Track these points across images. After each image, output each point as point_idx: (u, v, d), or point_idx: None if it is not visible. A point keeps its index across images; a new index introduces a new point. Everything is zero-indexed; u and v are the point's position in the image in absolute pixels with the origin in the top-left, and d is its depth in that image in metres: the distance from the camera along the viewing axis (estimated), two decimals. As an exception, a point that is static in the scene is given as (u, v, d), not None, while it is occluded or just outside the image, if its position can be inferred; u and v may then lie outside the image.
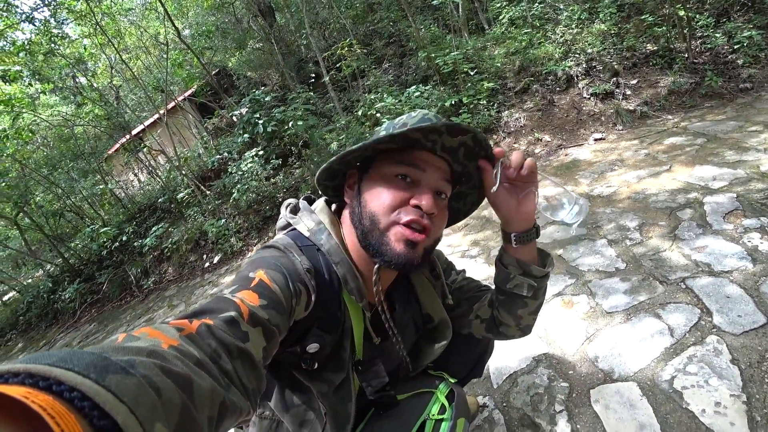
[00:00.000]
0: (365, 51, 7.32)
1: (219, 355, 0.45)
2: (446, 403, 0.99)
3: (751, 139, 3.05)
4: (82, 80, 8.89)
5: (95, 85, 8.19)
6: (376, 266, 0.79)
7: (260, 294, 0.60)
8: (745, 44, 4.34)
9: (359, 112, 5.81)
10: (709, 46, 4.62)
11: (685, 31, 4.65)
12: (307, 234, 0.81)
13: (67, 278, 7.30)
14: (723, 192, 2.46)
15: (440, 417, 0.96)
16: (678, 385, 1.38)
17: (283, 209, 0.90)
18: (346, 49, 6.30)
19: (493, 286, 1.02)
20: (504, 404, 1.57)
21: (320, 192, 0.92)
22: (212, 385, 0.39)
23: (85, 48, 8.08)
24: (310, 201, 0.92)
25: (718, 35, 4.58)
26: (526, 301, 0.92)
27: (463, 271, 1.14)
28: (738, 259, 1.87)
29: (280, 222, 0.89)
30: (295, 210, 0.88)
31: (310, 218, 0.83)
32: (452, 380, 1.08)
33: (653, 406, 1.35)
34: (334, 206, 0.92)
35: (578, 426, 1.37)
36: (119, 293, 6.43)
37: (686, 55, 4.63)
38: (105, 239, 6.91)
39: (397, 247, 0.73)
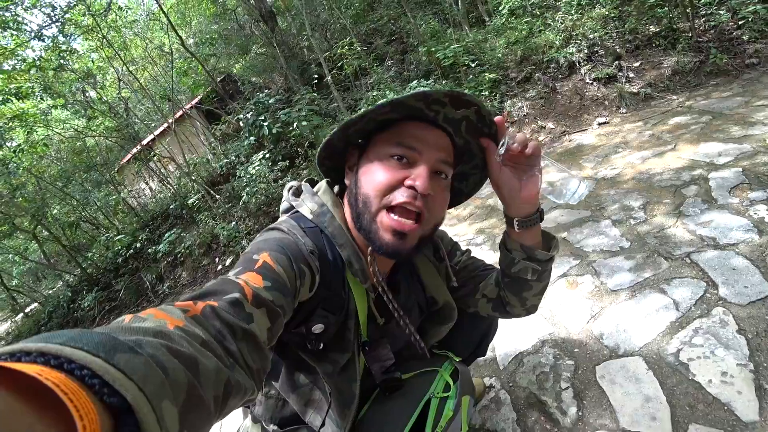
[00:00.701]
0: (365, 49, 7.35)
1: (224, 335, 0.45)
2: (450, 382, 0.99)
3: (758, 114, 2.99)
4: (92, 94, 9.10)
5: (104, 98, 8.36)
6: (370, 249, 0.78)
7: (264, 276, 0.60)
8: (750, 19, 4.25)
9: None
10: (712, 23, 4.53)
11: (687, 10, 4.58)
12: (310, 216, 0.81)
13: (86, 287, 7.48)
14: (728, 167, 2.42)
15: (445, 395, 0.97)
16: (684, 358, 1.38)
17: (285, 192, 0.90)
18: (347, 48, 6.33)
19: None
20: (510, 384, 1.57)
21: (322, 174, 0.92)
22: (217, 365, 0.39)
23: (93, 62, 8.27)
24: (313, 183, 0.92)
25: (721, 12, 4.49)
26: (530, 284, 0.92)
27: (468, 251, 1.13)
28: (744, 231, 1.85)
29: (283, 205, 0.90)
30: (297, 193, 0.88)
31: (313, 200, 0.83)
32: (456, 359, 1.09)
33: (659, 378, 1.34)
34: (336, 188, 0.91)
35: (584, 402, 1.38)
36: (136, 299, 6.56)
37: (690, 34, 4.56)
38: (120, 247, 7.07)
39: (385, 237, 0.73)
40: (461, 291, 1.06)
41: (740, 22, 4.34)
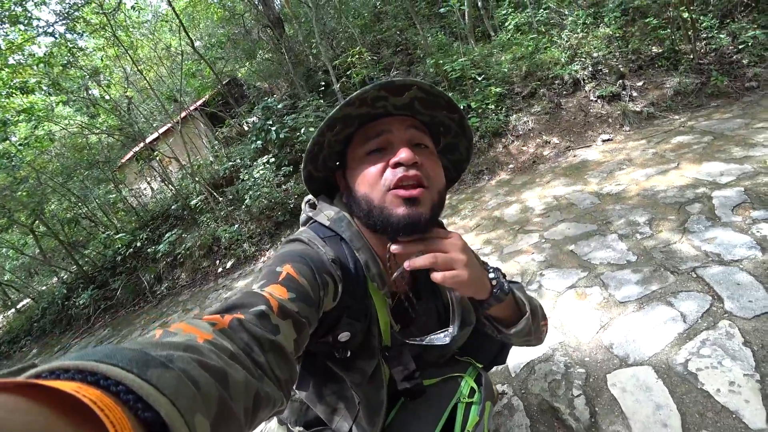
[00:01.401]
0: (374, 59, 7.45)
1: (251, 348, 0.46)
2: (475, 387, 1.02)
3: (758, 136, 3.09)
4: (95, 91, 9.13)
5: (109, 96, 8.40)
6: (389, 245, 0.77)
7: (288, 287, 0.61)
8: (749, 44, 4.39)
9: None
10: (713, 46, 4.67)
11: (689, 33, 4.72)
12: (327, 223, 0.82)
13: (81, 285, 7.44)
14: (731, 186, 2.50)
15: (470, 400, 0.99)
16: (692, 367, 1.43)
17: (303, 205, 0.93)
18: (356, 57, 6.42)
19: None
20: (522, 391, 1.61)
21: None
22: (246, 378, 0.40)
23: (101, 60, 8.31)
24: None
25: (722, 36, 4.63)
26: (512, 342, 0.95)
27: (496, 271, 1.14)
28: (747, 248, 1.91)
29: (302, 217, 0.92)
30: (314, 205, 0.90)
31: (330, 208, 0.84)
32: (479, 365, 1.11)
33: (669, 387, 1.39)
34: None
35: (596, 408, 1.42)
36: (133, 299, 6.54)
37: (691, 56, 4.69)
38: (119, 246, 7.05)
39: (400, 211, 0.71)
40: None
41: (740, 46, 4.47)
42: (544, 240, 2.77)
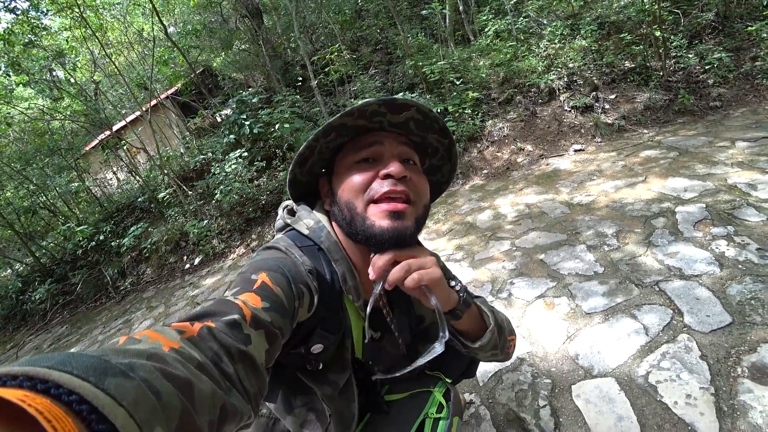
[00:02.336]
0: (354, 57, 7.40)
1: (220, 358, 0.44)
2: (444, 402, 1.01)
3: (720, 154, 3.24)
4: (59, 74, 8.66)
5: (73, 79, 7.97)
6: (372, 255, 0.75)
7: (263, 297, 0.59)
8: (715, 65, 4.61)
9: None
10: (682, 65, 4.87)
11: (660, 51, 4.91)
12: (306, 232, 0.80)
13: (38, 278, 7.06)
14: (693, 202, 2.61)
15: (438, 415, 0.99)
16: (653, 380, 1.47)
17: (280, 211, 0.90)
18: (336, 54, 6.35)
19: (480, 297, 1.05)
20: (490, 400, 1.63)
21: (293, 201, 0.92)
22: (213, 389, 0.39)
23: (66, 41, 7.88)
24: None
25: (690, 56, 4.84)
26: (479, 358, 0.95)
27: (459, 282, 1.13)
28: (707, 264, 1.99)
29: (278, 223, 0.90)
30: (291, 212, 0.88)
31: (310, 217, 0.83)
32: (448, 380, 1.11)
33: (630, 399, 1.43)
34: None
35: (561, 419, 1.44)
36: (94, 294, 6.26)
37: (661, 73, 4.88)
38: (81, 238, 6.71)
39: (383, 223, 0.70)
40: None
41: (707, 67, 4.69)
42: (515, 248, 2.81)
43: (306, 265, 0.74)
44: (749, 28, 4.77)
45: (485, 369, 1.76)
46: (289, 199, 0.93)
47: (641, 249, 2.30)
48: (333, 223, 0.83)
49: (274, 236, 0.89)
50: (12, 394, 0.22)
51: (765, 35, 4.63)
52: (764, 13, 4.82)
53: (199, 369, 0.39)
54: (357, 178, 0.73)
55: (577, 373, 1.62)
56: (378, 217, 0.71)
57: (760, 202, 2.39)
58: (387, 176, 0.71)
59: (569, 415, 1.45)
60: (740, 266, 1.92)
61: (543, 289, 2.22)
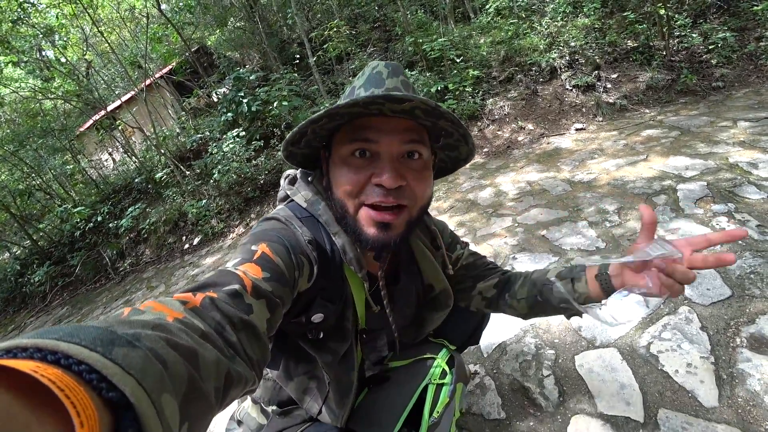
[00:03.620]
0: (353, 34, 7.26)
1: (223, 327, 0.45)
2: (447, 369, 1.03)
3: (722, 134, 3.24)
4: (49, 53, 8.46)
5: (64, 59, 7.79)
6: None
7: (263, 267, 0.60)
8: (719, 45, 4.56)
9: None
10: (685, 45, 4.82)
11: (664, 30, 4.84)
12: (304, 205, 0.80)
13: (36, 261, 7.03)
14: (695, 180, 2.62)
15: (441, 381, 1.01)
16: (654, 350, 1.51)
17: (282, 181, 0.90)
18: (335, 30, 6.23)
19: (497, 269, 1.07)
20: (494, 371, 1.66)
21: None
22: (217, 357, 0.40)
23: (56, 18, 7.67)
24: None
25: (694, 35, 4.79)
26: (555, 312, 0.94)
27: (467, 244, 1.13)
28: (708, 239, 2.01)
29: (280, 194, 0.89)
30: (293, 181, 0.87)
31: (308, 189, 0.82)
32: (452, 347, 1.12)
33: (632, 368, 1.46)
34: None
35: (564, 388, 1.48)
36: (93, 276, 6.26)
37: (664, 53, 4.83)
38: (78, 220, 6.67)
39: (370, 231, 0.71)
40: (459, 286, 1.07)
41: (710, 47, 4.65)
42: (517, 224, 2.83)
43: (305, 235, 0.75)
44: (755, 7, 4.71)
45: (490, 341, 1.79)
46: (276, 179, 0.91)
47: (643, 225, 2.31)
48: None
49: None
50: (24, 365, 0.22)
51: (770, 14, 4.58)
52: (770, -8, 4.76)
53: (203, 338, 0.40)
54: (348, 179, 0.71)
55: (580, 344, 1.65)
56: (366, 223, 0.71)
57: (760, 180, 2.40)
58: (379, 185, 0.69)
59: (573, 383, 1.48)
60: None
61: (545, 264, 2.24)
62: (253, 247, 0.64)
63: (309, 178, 0.85)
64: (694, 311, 1.63)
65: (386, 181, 0.67)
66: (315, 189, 0.82)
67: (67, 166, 8.14)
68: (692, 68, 4.63)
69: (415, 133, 0.72)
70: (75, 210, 6.63)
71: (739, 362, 1.37)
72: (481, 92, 5.34)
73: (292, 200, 0.84)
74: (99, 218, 6.58)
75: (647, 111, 4.45)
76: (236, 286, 0.52)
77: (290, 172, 0.90)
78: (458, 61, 5.52)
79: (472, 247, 2.64)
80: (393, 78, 0.77)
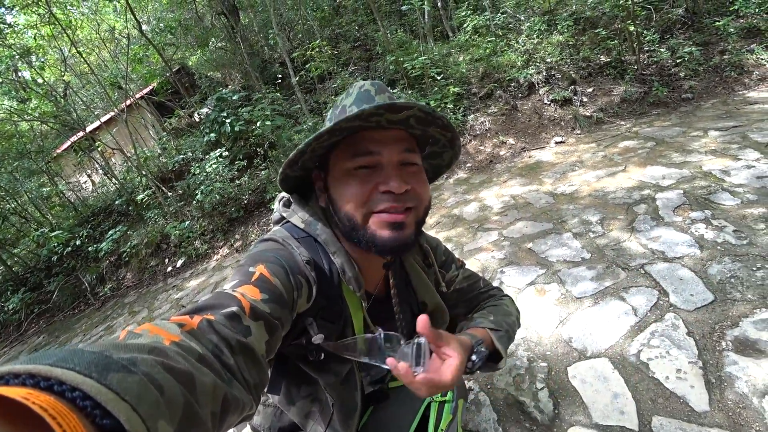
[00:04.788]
0: (335, 53, 7.35)
1: (221, 350, 0.45)
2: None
3: (694, 143, 3.37)
4: (26, 74, 8.30)
5: (41, 80, 7.66)
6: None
7: (261, 288, 0.60)
8: (686, 59, 4.79)
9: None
10: (655, 59, 5.04)
11: (634, 45, 5.06)
12: (301, 225, 0.80)
13: (11, 287, 6.76)
14: (672, 189, 2.71)
15: (443, 399, 1.00)
16: (644, 357, 1.53)
17: (276, 203, 0.90)
18: (317, 50, 6.30)
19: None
20: (488, 386, 1.66)
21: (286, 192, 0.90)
22: (214, 381, 0.39)
23: (34, 38, 7.56)
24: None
25: (663, 50, 5.02)
26: None
27: (463, 264, 1.12)
28: (687, 246, 2.08)
29: (275, 216, 0.89)
30: (288, 204, 0.88)
31: (304, 210, 0.82)
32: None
33: (624, 377, 1.48)
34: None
35: (559, 400, 1.48)
36: (72, 302, 6.04)
37: (636, 67, 5.04)
38: (56, 244, 6.46)
39: (384, 234, 0.71)
40: (451, 310, 1.06)
41: (678, 61, 4.87)
42: (503, 238, 2.86)
43: (303, 256, 0.74)
44: (717, 23, 4.98)
45: (482, 355, 1.79)
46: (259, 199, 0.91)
47: (625, 234, 2.37)
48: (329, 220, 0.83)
49: (266, 231, 0.87)
50: (16, 393, 0.22)
51: (731, 30, 4.84)
52: (730, 9, 5.04)
53: (200, 361, 0.39)
54: (356, 191, 0.71)
55: (571, 356, 1.66)
56: (379, 227, 0.71)
57: (733, 187, 2.50)
58: (387, 191, 0.70)
59: (567, 395, 1.49)
60: (719, 247, 2.01)
61: (533, 277, 2.27)
62: (251, 269, 0.64)
63: (304, 200, 0.85)
64: (680, 317, 1.67)
65: (395, 188, 0.69)
66: (311, 210, 0.82)
67: (44, 189, 7.91)
68: (663, 81, 4.84)
69: (409, 142, 0.75)
70: (52, 234, 6.43)
71: (726, 365, 1.40)
72: (462, 108, 5.44)
73: (288, 222, 0.84)
74: (77, 242, 6.39)
75: (623, 123, 4.61)
76: (234, 308, 0.52)
77: (284, 195, 0.90)
78: (439, 78, 5.63)
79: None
80: (381, 95, 0.79)
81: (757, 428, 1.19)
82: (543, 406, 1.47)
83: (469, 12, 6.79)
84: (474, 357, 0.78)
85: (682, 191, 2.64)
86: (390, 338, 0.70)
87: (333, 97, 6.67)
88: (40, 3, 5.97)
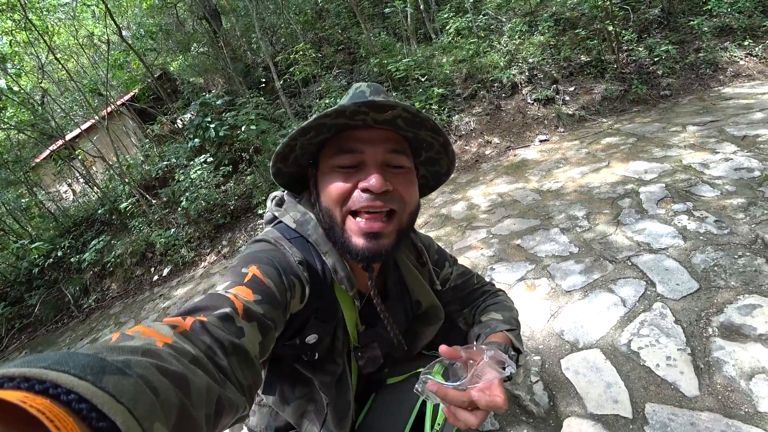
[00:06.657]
0: (319, 57, 7.35)
1: (214, 351, 0.45)
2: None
3: (673, 138, 3.46)
4: (1, 82, 8.07)
5: (18, 87, 7.45)
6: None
7: (254, 289, 0.60)
8: (663, 57, 4.92)
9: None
10: (634, 58, 5.17)
11: (613, 45, 5.19)
12: (293, 225, 0.80)
13: (-11, 302, 6.56)
14: (654, 183, 2.78)
15: None
16: (634, 347, 1.56)
17: (269, 202, 0.89)
18: (300, 53, 6.29)
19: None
20: (482, 380, 1.66)
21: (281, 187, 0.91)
22: (208, 383, 0.39)
23: (9, 45, 7.37)
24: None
25: (641, 49, 5.15)
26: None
27: (456, 262, 1.13)
28: (671, 237, 2.13)
29: (267, 215, 0.89)
30: (280, 203, 0.87)
31: (296, 209, 0.82)
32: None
33: (616, 366, 1.51)
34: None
35: (554, 392, 1.50)
36: (54, 315, 5.87)
37: (615, 66, 5.15)
38: (36, 256, 6.29)
39: (359, 243, 0.70)
40: (446, 307, 1.07)
41: (656, 59, 5.00)
42: (491, 235, 2.89)
43: (296, 256, 0.74)
44: (691, 22, 5.13)
45: (476, 351, 1.80)
46: (278, 189, 0.92)
47: (611, 228, 2.42)
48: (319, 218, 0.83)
49: (253, 235, 0.87)
50: (12, 396, 0.22)
51: (705, 29, 4.99)
52: (704, 8, 5.20)
53: (193, 363, 0.39)
54: (336, 187, 0.71)
55: (564, 348, 1.69)
56: (354, 234, 0.71)
57: (713, 179, 2.58)
58: (366, 189, 0.69)
59: (561, 387, 1.51)
60: (701, 237, 2.06)
61: (523, 272, 2.30)
62: (244, 270, 0.63)
63: (297, 199, 0.85)
64: (667, 306, 1.71)
65: (374, 186, 0.68)
66: (304, 209, 0.81)
67: (23, 200, 7.69)
68: (641, 79, 4.96)
69: (397, 143, 0.74)
70: (33, 246, 6.24)
71: (714, 351, 1.44)
72: (447, 109, 5.49)
73: (280, 222, 0.83)
74: (59, 253, 6.22)
75: (605, 120, 4.70)
76: (227, 310, 0.52)
77: (277, 193, 0.89)
78: (423, 80, 5.67)
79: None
80: (376, 96, 0.80)
81: (746, 410, 1.22)
82: (538, 399, 1.49)
83: (451, 14, 6.87)
84: (507, 368, 0.71)
85: (664, 185, 2.70)
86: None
87: (317, 101, 6.66)
88: (15, 8, 5.83)
